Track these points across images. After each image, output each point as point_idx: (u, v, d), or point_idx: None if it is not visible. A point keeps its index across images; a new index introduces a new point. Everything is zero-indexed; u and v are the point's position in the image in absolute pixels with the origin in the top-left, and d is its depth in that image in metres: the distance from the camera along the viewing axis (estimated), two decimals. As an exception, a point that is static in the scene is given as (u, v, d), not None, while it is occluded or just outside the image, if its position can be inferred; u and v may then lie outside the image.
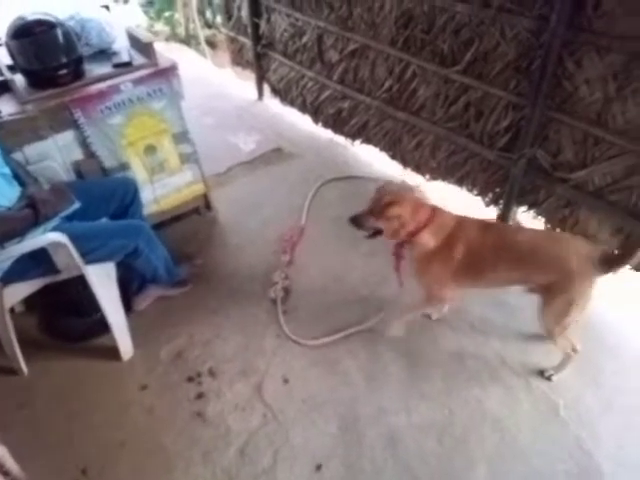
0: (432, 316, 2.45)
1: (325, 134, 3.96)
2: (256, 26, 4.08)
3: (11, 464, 1.55)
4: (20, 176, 2.09)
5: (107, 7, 2.88)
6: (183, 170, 2.83)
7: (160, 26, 5.92)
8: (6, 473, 1.52)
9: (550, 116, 2.47)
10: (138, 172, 2.64)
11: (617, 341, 2.37)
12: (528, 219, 2.88)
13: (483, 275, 2.05)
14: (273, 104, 4.39)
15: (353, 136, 3.75)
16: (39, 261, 1.94)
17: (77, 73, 2.39)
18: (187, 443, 2.01)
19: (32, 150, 2.26)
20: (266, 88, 4.43)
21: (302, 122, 4.13)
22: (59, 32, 2.28)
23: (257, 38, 4.15)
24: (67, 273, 2.04)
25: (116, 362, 2.29)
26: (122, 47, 2.63)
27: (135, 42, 2.63)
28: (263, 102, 4.48)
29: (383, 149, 3.56)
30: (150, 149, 2.64)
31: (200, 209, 3.12)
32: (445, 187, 3.25)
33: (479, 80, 2.70)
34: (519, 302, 2.52)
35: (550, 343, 2.10)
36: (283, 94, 4.25)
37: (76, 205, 2.05)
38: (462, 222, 2.04)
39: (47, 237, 1.91)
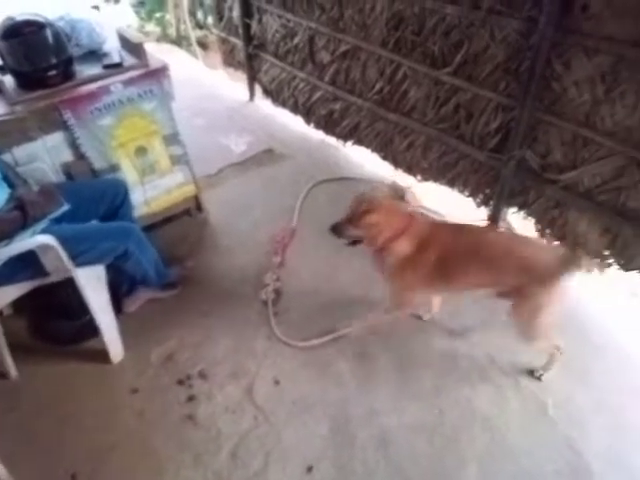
0: (423, 317, 2.46)
1: (317, 135, 3.96)
2: (247, 27, 4.08)
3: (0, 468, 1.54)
4: (9, 178, 2.07)
5: (97, 7, 2.88)
6: (174, 171, 2.82)
7: (151, 27, 5.90)
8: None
9: (539, 117, 2.49)
10: (128, 174, 2.63)
11: (604, 341, 2.39)
12: (518, 220, 2.89)
13: (455, 278, 2.06)
14: (264, 105, 4.39)
15: (345, 137, 3.75)
16: (28, 264, 1.92)
17: (67, 74, 2.38)
18: (178, 446, 2.01)
19: (21, 151, 2.25)
20: (257, 89, 4.43)
21: (294, 123, 4.13)
22: (49, 33, 2.27)
23: (248, 39, 4.14)
24: (56, 276, 2.02)
25: (106, 365, 2.27)
26: (112, 48, 2.62)
27: (126, 43, 2.62)
28: (254, 103, 4.47)
29: (375, 150, 3.57)
30: (140, 150, 2.63)
31: (191, 211, 3.11)
32: (437, 188, 3.26)
33: (469, 82, 2.72)
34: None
35: (530, 346, 2.11)
36: (275, 95, 4.25)
37: (65, 207, 2.04)
38: (436, 227, 2.07)
39: (36, 240, 1.89)
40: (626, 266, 2.44)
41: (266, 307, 2.54)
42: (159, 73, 2.50)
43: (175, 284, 2.59)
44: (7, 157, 2.20)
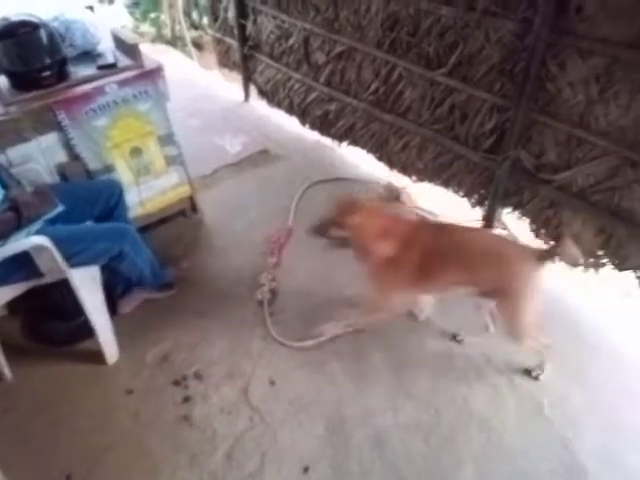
0: (419, 317, 2.46)
1: (312, 136, 3.97)
2: (242, 28, 4.08)
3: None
4: (3, 179, 2.07)
5: (91, 8, 2.86)
6: (169, 172, 2.82)
7: (146, 27, 5.89)
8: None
9: (534, 118, 2.50)
10: (123, 174, 2.63)
11: (599, 341, 2.40)
12: (513, 220, 2.90)
13: (436, 278, 2.07)
14: (260, 106, 4.39)
15: (340, 138, 3.76)
16: (22, 265, 1.91)
17: (61, 75, 2.37)
18: (173, 447, 2.00)
19: (15, 152, 2.24)
20: (253, 90, 4.43)
21: (289, 124, 4.13)
22: (43, 33, 2.26)
23: (244, 40, 4.15)
24: (51, 277, 2.01)
25: (101, 366, 2.26)
26: (107, 48, 2.62)
27: (120, 43, 2.61)
28: (250, 104, 4.47)
29: (370, 151, 3.57)
30: (135, 151, 2.63)
31: (186, 211, 3.10)
32: (432, 189, 3.27)
33: (464, 82, 2.73)
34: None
35: (519, 345, 2.12)
36: (270, 96, 4.25)
37: (60, 208, 2.03)
38: (418, 228, 2.08)
39: (30, 241, 1.88)
40: (620, 266, 2.46)
41: (262, 307, 2.53)
42: (154, 74, 2.50)
43: (171, 285, 2.58)
44: (1, 158, 2.19)
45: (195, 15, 5.75)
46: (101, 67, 2.46)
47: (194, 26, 5.76)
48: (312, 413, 2.10)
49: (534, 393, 2.17)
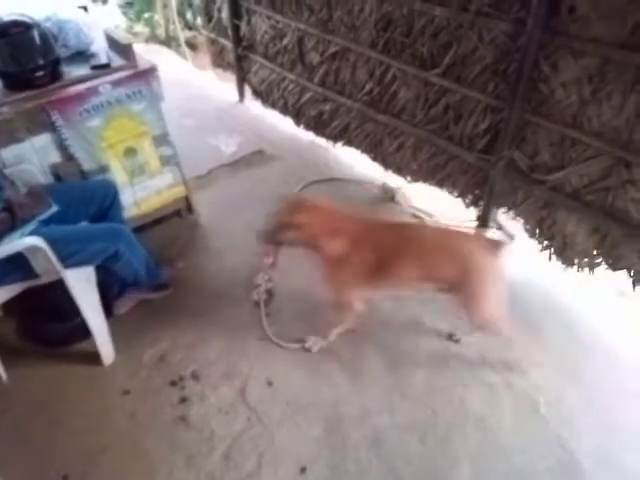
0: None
1: (306, 136, 3.97)
2: (236, 28, 4.08)
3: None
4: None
5: (85, 8, 2.85)
6: (163, 172, 2.81)
7: (140, 27, 5.87)
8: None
9: (527, 118, 2.51)
10: (118, 175, 2.62)
11: (593, 340, 2.41)
12: (508, 220, 2.92)
13: (389, 276, 2.07)
14: (254, 106, 4.39)
15: (334, 138, 3.76)
16: (17, 266, 1.90)
17: (54, 75, 2.36)
18: (170, 448, 1.99)
19: (8, 153, 2.22)
20: (247, 90, 4.43)
21: (283, 124, 4.13)
22: (35, 33, 2.25)
23: (238, 40, 4.14)
24: (46, 277, 2.00)
25: (98, 367, 2.25)
26: (100, 49, 2.61)
27: (114, 44, 2.60)
28: (244, 104, 4.47)
29: (364, 151, 3.58)
30: (130, 151, 2.62)
31: (181, 212, 3.10)
32: (426, 189, 3.28)
33: (458, 83, 2.74)
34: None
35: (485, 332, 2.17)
36: (264, 96, 4.25)
37: (54, 208, 2.03)
38: (368, 225, 2.08)
39: (24, 241, 1.87)
40: (614, 265, 2.47)
41: (258, 308, 2.53)
42: (148, 74, 2.49)
43: (167, 285, 2.57)
44: (-6, 158, 2.18)
45: (189, 15, 5.74)
46: (95, 67, 2.45)
47: (188, 26, 5.75)
48: (309, 413, 2.11)
49: (530, 392, 2.18)
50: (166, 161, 2.78)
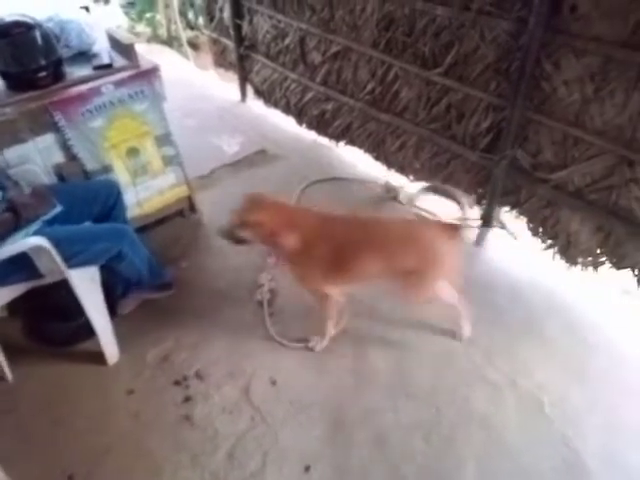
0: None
1: (309, 135, 3.97)
2: (238, 28, 4.08)
3: (-2, 472, 1.53)
4: (0, 180, 2.06)
5: (87, 8, 2.85)
6: (166, 172, 2.82)
7: (141, 27, 5.87)
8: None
9: (529, 117, 2.51)
10: (121, 175, 2.62)
11: (598, 339, 2.41)
12: (511, 219, 2.91)
13: (353, 269, 2.10)
14: (256, 105, 4.39)
15: (337, 137, 3.76)
16: (21, 266, 1.91)
17: (57, 75, 2.36)
18: (175, 447, 2.00)
19: (12, 153, 2.23)
20: (249, 89, 4.43)
21: (286, 123, 4.13)
22: (37, 33, 2.25)
23: (240, 40, 4.14)
24: (50, 277, 2.01)
25: (102, 367, 2.26)
26: (102, 49, 2.61)
27: (116, 44, 2.61)
28: (246, 104, 4.47)
29: (367, 150, 3.58)
30: (133, 152, 2.62)
31: (184, 212, 3.10)
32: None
33: (460, 82, 2.73)
34: (506, 301, 2.57)
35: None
36: (266, 95, 4.25)
37: (58, 209, 2.03)
38: (325, 220, 2.10)
39: (28, 241, 1.88)
40: (618, 264, 2.46)
41: (261, 307, 2.53)
42: (150, 74, 2.50)
43: (170, 285, 2.58)
44: (-2, 159, 2.18)
45: (191, 15, 5.74)
46: (97, 67, 2.45)
47: (190, 26, 5.74)
48: (313, 412, 2.11)
49: (534, 392, 2.18)
50: (168, 161, 2.79)
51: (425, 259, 2.02)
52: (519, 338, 2.38)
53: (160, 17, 5.71)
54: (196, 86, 4.74)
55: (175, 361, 2.31)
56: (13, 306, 2.12)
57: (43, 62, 2.28)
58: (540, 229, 2.76)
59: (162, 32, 5.74)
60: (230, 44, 4.29)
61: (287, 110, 4.09)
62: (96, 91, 2.36)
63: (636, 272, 2.41)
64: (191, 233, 3.04)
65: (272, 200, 2.07)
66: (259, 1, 3.76)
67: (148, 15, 5.80)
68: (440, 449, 1.99)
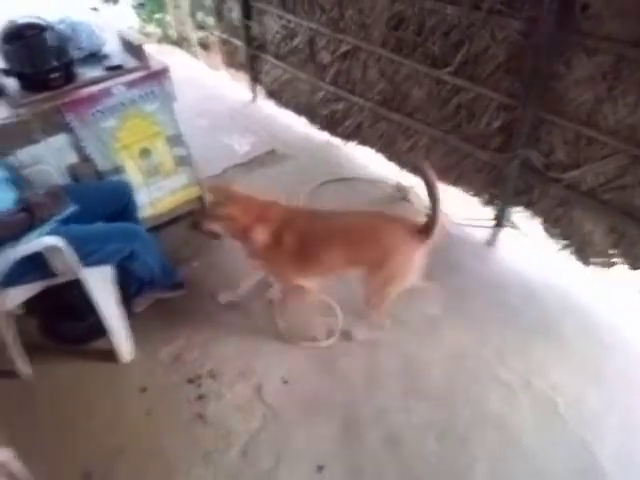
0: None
1: (320, 136, 3.97)
2: (248, 28, 4.09)
3: (18, 467, 1.55)
4: (15, 180, 2.08)
5: (96, 9, 2.88)
6: (178, 173, 2.83)
7: (152, 28, 5.89)
8: (13, 476, 1.51)
9: (541, 117, 2.49)
10: (133, 175, 2.64)
11: (614, 340, 2.38)
12: (524, 219, 2.89)
13: (319, 261, 2.11)
14: (267, 105, 4.40)
15: (348, 137, 3.76)
16: (36, 265, 1.93)
17: (69, 76, 2.38)
18: (188, 445, 2.01)
19: (25, 154, 2.25)
20: (260, 89, 4.43)
21: (296, 123, 4.13)
22: (50, 35, 2.28)
23: (249, 40, 4.16)
24: (64, 276, 2.02)
25: (115, 365, 2.28)
26: (113, 50, 2.64)
27: (126, 45, 2.63)
28: (257, 104, 4.48)
29: (379, 150, 3.56)
30: (144, 152, 2.64)
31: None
32: (441, 188, 3.25)
33: (470, 81, 2.72)
34: (519, 301, 2.55)
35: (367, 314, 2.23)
36: (277, 95, 4.25)
37: (72, 208, 2.05)
38: (291, 213, 2.12)
39: (43, 241, 1.89)
40: (634, 265, 2.44)
41: (272, 306, 2.54)
42: (160, 75, 2.51)
43: (182, 284, 2.59)
44: (12, 160, 2.20)
45: (201, 16, 5.74)
46: (108, 69, 2.46)
47: (200, 26, 5.75)
48: (325, 412, 2.11)
49: (549, 393, 2.16)
50: (180, 161, 2.80)
51: (383, 253, 1.99)
52: (533, 338, 2.36)
53: (170, 18, 5.72)
54: (207, 86, 4.76)
55: (187, 359, 2.32)
56: (30, 305, 2.14)
57: (55, 63, 2.30)
58: (554, 230, 2.74)
59: (172, 33, 5.76)
60: (240, 44, 4.30)
61: (297, 110, 4.10)
62: (107, 92, 2.38)
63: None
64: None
65: (241, 193, 2.10)
66: (268, 1, 3.76)
67: (158, 16, 5.82)
68: (453, 449, 1.98)
